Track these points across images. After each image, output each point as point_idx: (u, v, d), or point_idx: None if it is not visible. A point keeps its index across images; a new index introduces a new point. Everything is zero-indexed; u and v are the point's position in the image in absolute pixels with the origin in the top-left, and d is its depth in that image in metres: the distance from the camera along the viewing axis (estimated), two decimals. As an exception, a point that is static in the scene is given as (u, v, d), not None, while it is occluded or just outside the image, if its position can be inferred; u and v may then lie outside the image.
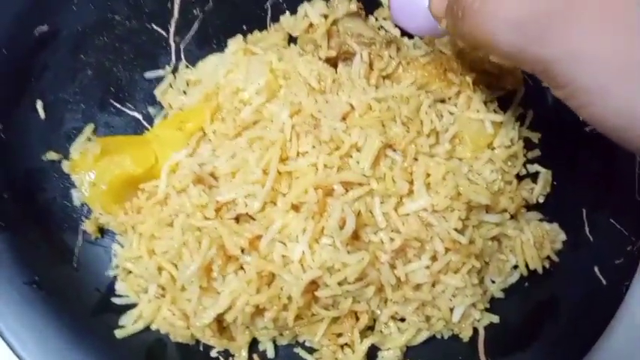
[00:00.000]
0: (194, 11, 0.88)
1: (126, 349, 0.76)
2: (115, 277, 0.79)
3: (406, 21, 0.88)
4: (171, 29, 0.88)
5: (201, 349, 0.78)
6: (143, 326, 0.77)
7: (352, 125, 0.75)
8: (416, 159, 0.76)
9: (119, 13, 0.87)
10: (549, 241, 0.83)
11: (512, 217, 0.83)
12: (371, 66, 0.81)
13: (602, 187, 0.86)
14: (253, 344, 0.78)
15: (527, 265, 0.82)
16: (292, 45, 0.87)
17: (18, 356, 0.72)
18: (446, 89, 0.82)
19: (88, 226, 0.79)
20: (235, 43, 0.86)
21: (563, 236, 0.84)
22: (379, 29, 0.90)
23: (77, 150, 0.79)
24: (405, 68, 0.82)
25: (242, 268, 0.73)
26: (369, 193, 0.74)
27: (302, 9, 0.85)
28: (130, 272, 0.77)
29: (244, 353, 0.77)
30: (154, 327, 0.77)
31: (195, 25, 0.88)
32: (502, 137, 0.81)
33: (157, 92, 0.86)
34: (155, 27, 0.87)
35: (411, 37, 0.88)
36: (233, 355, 0.77)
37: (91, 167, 0.76)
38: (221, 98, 0.80)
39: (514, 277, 0.83)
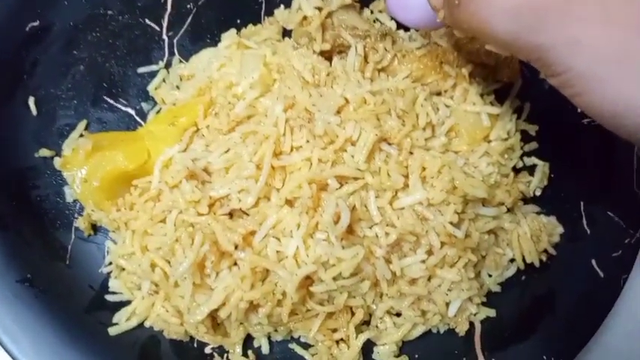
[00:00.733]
0: (187, 5, 0.88)
1: (120, 347, 0.76)
2: (108, 274, 0.79)
3: (402, 13, 0.87)
4: (165, 24, 0.87)
5: (195, 345, 0.77)
6: (137, 323, 0.76)
7: (347, 119, 0.74)
8: (411, 152, 0.75)
9: (112, 8, 0.86)
10: (546, 234, 0.82)
11: (509, 210, 0.82)
12: (366, 59, 0.81)
13: (599, 180, 0.85)
14: (248, 340, 0.78)
15: (524, 259, 0.82)
16: (286, 38, 0.86)
17: (11, 355, 0.72)
18: (442, 82, 0.81)
19: (81, 223, 0.79)
20: (229, 37, 0.85)
21: (560, 229, 0.83)
22: (374, 22, 0.89)
23: (69, 146, 0.79)
24: (401, 61, 0.81)
25: (236, 264, 0.72)
26: (364, 188, 0.73)
27: (296, 2, 0.85)
28: (124, 269, 0.77)
29: (239, 349, 0.77)
30: (147, 324, 0.77)
31: (189, 20, 0.88)
32: (499, 130, 0.80)
33: (150, 87, 0.85)
34: (148, 22, 0.87)
35: (406, 29, 0.88)
36: (227, 352, 0.77)
37: (83, 163, 0.75)
38: (214, 93, 0.80)
39: (511, 271, 0.83)
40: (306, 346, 0.79)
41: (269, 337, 0.78)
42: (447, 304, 0.77)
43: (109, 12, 0.86)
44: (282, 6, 0.88)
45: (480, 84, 0.82)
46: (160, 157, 0.77)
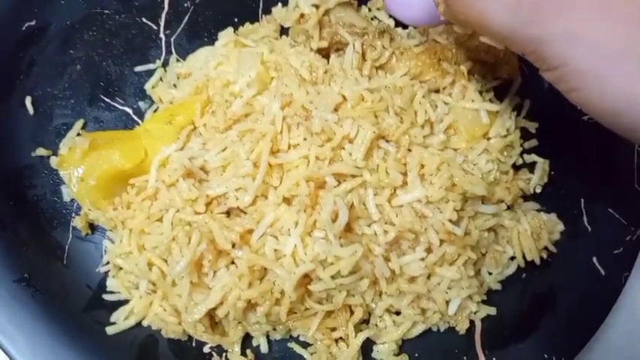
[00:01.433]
0: (185, 4, 0.88)
1: (117, 346, 0.75)
2: (105, 274, 0.79)
3: (400, 10, 0.86)
4: (162, 22, 0.88)
5: (193, 344, 0.77)
6: (135, 322, 0.76)
7: (344, 116, 0.74)
8: (410, 150, 0.75)
9: (109, 7, 0.86)
10: (547, 231, 0.82)
11: (509, 207, 0.82)
12: (364, 56, 0.80)
13: (600, 177, 0.85)
14: (246, 339, 0.78)
15: (524, 257, 0.81)
16: (284, 36, 0.86)
17: (8, 355, 0.71)
18: (440, 79, 0.81)
19: (78, 223, 0.78)
20: (226, 35, 0.86)
21: (561, 226, 0.83)
22: (372, 19, 0.89)
23: (66, 145, 0.79)
24: (399, 58, 0.81)
25: (233, 262, 0.72)
26: (362, 185, 0.73)
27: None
28: (121, 268, 0.77)
29: (237, 348, 0.76)
30: (145, 323, 0.77)
31: (186, 18, 0.88)
32: (498, 127, 0.80)
33: (147, 86, 0.85)
34: (145, 20, 0.87)
35: (405, 27, 0.87)
36: (226, 351, 0.77)
37: (80, 163, 0.75)
38: (211, 91, 0.80)
39: (511, 269, 0.82)
40: (305, 345, 0.78)
41: (268, 336, 0.78)
42: (447, 303, 0.77)
43: (106, 11, 0.86)
44: (279, 4, 0.88)
45: (479, 81, 0.82)
46: (157, 155, 0.76)
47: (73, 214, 0.80)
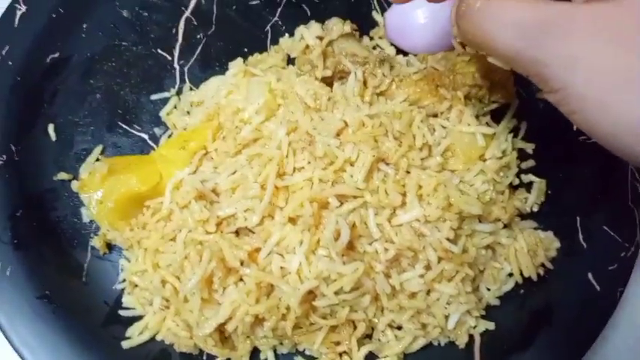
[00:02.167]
0: (197, 36, 0.93)
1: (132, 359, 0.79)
2: (122, 291, 0.82)
3: (401, 39, 0.91)
4: (176, 53, 0.92)
5: (204, 358, 0.80)
6: (149, 337, 0.79)
7: (346, 141, 0.77)
8: (408, 172, 0.79)
9: (126, 40, 0.92)
10: (543, 248, 0.84)
11: (506, 225, 0.85)
12: (365, 84, 0.84)
13: (595, 195, 0.87)
14: (254, 353, 0.80)
15: (521, 273, 0.83)
16: (290, 66, 0.90)
17: (31, 367, 0.75)
18: (438, 104, 0.84)
19: (97, 242, 0.82)
20: (236, 65, 0.90)
21: (557, 244, 0.85)
22: (374, 48, 0.93)
23: (86, 170, 0.83)
24: (398, 85, 0.85)
25: (242, 279, 0.76)
26: (363, 206, 0.76)
27: (299, 31, 0.89)
28: (136, 285, 0.81)
29: (246, 362, 0.79)
30: (159, 338, 0.80)
31: (199, 49, 0.92)
32: (494, 149, 0.83)
33: (163, 113, 0.90)
34: (160, 52, 0.92)
35: (405, 54, 0.91)
36: (235, 364, 0.80)
37: (99, 186, 0.79)
38: (222, 118, 0.84)
39: (509, 285, 0.84)
40: (310, 358, 0.81)
41: (275, 350, 0.81)
42: (446, 317, 0.79)
43: (124, 43, 0.91)
44: (286, 35, 0.93)
45: (476, 105, 0.85)
46: (171, 179, 0.81)
47: (92, 235, 0.84)
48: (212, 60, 0.92)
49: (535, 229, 0.87)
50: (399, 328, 0.81)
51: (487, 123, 0.86)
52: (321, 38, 0.86)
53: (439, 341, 0.82)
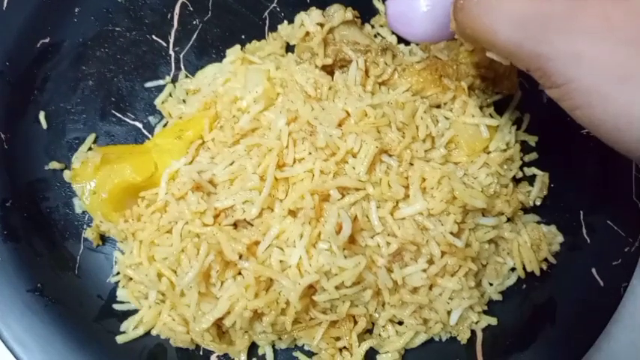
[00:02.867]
0: (193, 22, 0.90)
1: (127, 355, 0.77)
2: (116, 284, 0.81)
3: (403, 27, 0.89)
4: (171, 40, 0.90)
5: (201, 353, 0.79)
6: (144, 332, 0.78)
7: (348, 131, 0.76)
8: (411, 164, 0.77)
9: (120, 25, 0.89)
10: (546, 243, 0.83)
11: (509, 219, 0.84)
12: (367, 73, 0.83)
13: (599, 189, 0.86)
14: (252, 348, 0.79)
15: (524, 268, 0.82)
16: (289, 53, 0.88)
17: (22, 362, 0.73)
18: (441, 95, 0.83)
19: (90, 234, 0.80)
20: (233, 52, 0.88)
21: (560, 238, 0.84)
22: (375, 36, 0.91)
23: (78, 159, 0.81)
24: (401, 74, 0.83)
25: (240, 273, 0.74)
26: (365, 198, 0.75)
27: (298, 18, 0.87)
28: (131, 279, 0.79)
29: (243, 357, 0.78)
30: (154, 332, 0.78)
31: (195, 36, 0.90)
32: (498, 141, 0.82)
33: (157, 101, 0.87)
34: (155, 38, 0.89)
35: (407, 43, 0.89)
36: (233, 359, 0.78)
37: (92, 176, 0.77)
38: (219, 107, 0.82)
39: (512, 280, 0.84)
40: (309, 354, 0.80)
41: (273, 346, 0.80)
42: (449, 313, 0.79)
43: (117, 29, 0.89)
44: (285, 22, 0.90)
45: (479, 96, 0.84)
46: (167, 169, 0.79)
47: (85, 226, 0.82)
48: (208, 47, 0.90)
49: (538, 223, 0.86)
50: (400, 323, 0.80)
51: (490, 114, 0.84)
52: (321, 25, 0.83)
53: (440, 337, 0.81)
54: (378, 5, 0.92)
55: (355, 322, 0.77)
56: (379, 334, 0.80)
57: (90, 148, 0.84)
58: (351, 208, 0.74)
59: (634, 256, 0.83)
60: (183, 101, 0.87)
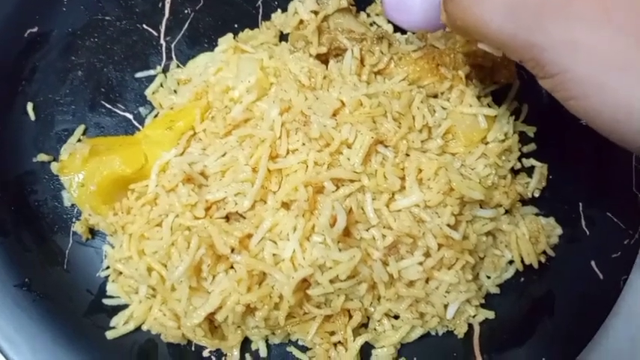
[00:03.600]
0: (185, 11, 0.89)
1: (117, 350, 0.76)
2: (106, 279, 0.79)
3: (399, 16, 0.88)
4: (162, 29, 0.88)
5: (193, 349, 0.78)
6: (134, 327, 0.77)
7: (342, 122, 0.74)
8: (407, 154, 0.76)
9: (110, 14, 0.87)
10: (545, 235, 0.82)
11: (508, 211, 0.82)
12: (362, 62, 0.81)
13: (598, 181, 0.85)
14: (245, 343, 0.78)
15: (522, 261, 0.81)
16: (283, 42, 0.86)
17: (9, 359, 0.72)
18: (438, 84, 0.81)
19: (79, 227, 0.79)
20: (225, 41, 0.86)
21: (559, 230, 0.83)
22: (371, 25, 0.90)
23: (67, 151, 0.79)
24: (397, 64, 0.82)
25: (232, 267, 0.73)
26: (360, 190, 0.73)
27: (292, 6, 0.85)
28: (121, 273, 0.77)
29: (236, 353, 0.77)
30: (145, 327, 0.77)
31: (186, 25, 0.88)
32: (496, 131, 0.80)
33: (148, 92, 0.86)
34: (146, 27, 0.88)
35: (403, 32, 0.88)
36: (225, 355, 0.77)
37: (80, 168, 0.75)
38: (211, 97, 0.80)
39: (509, 273, 0.83)
40: (303, 349, 0.79)
41: (267, 340, 0.79)
42: (445, 306, 0.77)
43: (107, 18, 0.87)
44: (279, 10, 0.89)
45: (477, 86, 0.82)
46: (157, 161, 0.77)
47: (74, 219, 0.80)
48: (200, 36, 0.88)
49: (536, 215, 0.85)
50: (396, 317, 0.79)
51: (488, 104, 0.83)
52: (316, 13, 0.81)
53: (437, 331, 0.80)
54: (374, -7, 0.91)
55: (350, 317, 0.76)
56: (375, 329, 0.79)
57: (79, 140, 0.82)
58: (346, 200, 0.72)
59: (634, 249, 0.82)
60: (175, 92, 0.85)
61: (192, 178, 0.75)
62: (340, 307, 0.74)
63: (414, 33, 0.86)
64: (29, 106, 0.82)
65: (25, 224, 0.79)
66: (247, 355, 0.78)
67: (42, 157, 0.81)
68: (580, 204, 0.85)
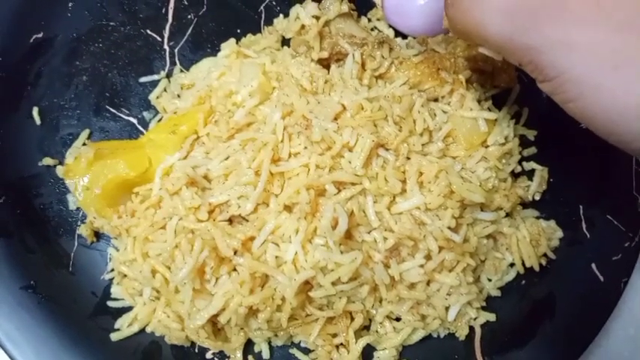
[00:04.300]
0: (188, 16, 0.89)
1: (122, 352, 0.76)
2: (110, 281, 0.80)
3: (400, 20, 0.89)
4: (166, 34, 0.89)
5: (196, 351, 0.78)
6: (138, 329, 0.77)
7: (344, 125, 0.75)
8: (408, 158, 0.76)
9: (114, 20, 0.88)
10: (546, 238, 0.82)
11: (508, 214, 0.83)
12: (363, 66, 0.82)
13: (598, 184, 0.85)
14: (248, 345, 0.78)
15: (523, 263, 0.82)
16: (285, 47, 0.87)
17: (14, 360, 0.73)
18: (439, 88, 0.82)
19: (84, 230, 0.80)
20: (228, 46, 0.87)
21: (559, 233, 0.84)
22: (372, 30, 0.90)
23: (72, 155, 0.80)
24: (398, 68, 0.82)
25: (235, 269, 0.73)
26: (362, 193, 0.74)
27: (294, 11, 0.86)
28: (125, 276, 0.78)
29: (239, 354, 0.77)
30: (149, 329, 0.77)
31: (190, 30, 0.89)
32: (496, 135, 0.81)
33: (152, 96, 0.86)
34: (150, 32, 0.88)
35: (404, 36, 0.89)
36: (228, 357, 0.78)
37: (85, 172, 0.76)
38: (214, 101, 0.81)
39: (510, 275, 0.83)
40: (306, 351, 0.79)
41: (269, 342, 0.79)
42: (447, 309, 0.78)
43: (112, 23, 0.88)
44: (281, 15, 0.90)
45: (477, 90, 0.83)
46: (161, 164, 0.78)
47: (79, 222, 0.81)
48: (203, 41, 0.89)
49: (537, 218, 0.85)
50: (398, 319, 0.79)
51: (489, 108, 0.83)
52: (317, 18, 0.82)
53: (438, 333, 0.81)
54: (375, -2, 0.91)
55: (352, 319, 0.77)
56: (376, 331, 0.79)
57: (84, 144, 0.83)
58: (348, 203, 0.73)
59: (634, 251, 0.82)
60: (178, 96, 0.86)
61: (196, 182, 0.75)
62: (342, 309, 0.74)
63: (414, 37, 0.87)
64: (35, 111, 0.83)
65: (30, 227, 0.79)
66: (250, 357, 0.78)
67: (47, 160, 0.81)
68: (580, 207, 0.85)
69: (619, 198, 0.84)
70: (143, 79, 0.87)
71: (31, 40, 0.84)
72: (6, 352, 0.73)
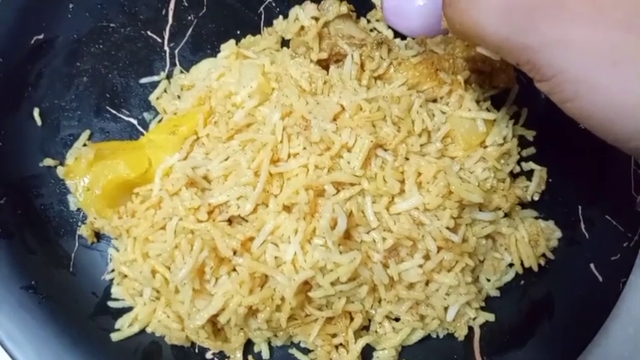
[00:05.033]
0: (188, 17, 0.90)
1: (122, 352, 0.77)
2: (111, 281, 0.80)
3: (398, 21, 0.89)
4: (166, 35, 0.89)
5: (196, 351, 0.78)
6: (139, 329, 0.77)
7: (343, 126, 0.75)
8: (407, 158, 0.76)
9: (114, 21, 0.88)
10: (544, 238, 0.82)
11: (507, 214, 0.83)
12: (362, 67, 0.82)
13: (597, 184, 0.85)
14: (248, 345, 0.79)
15: (522, 263, 0.82)
16: (284, 48, 0.87)
17: (15, 360, 0.73)
18: (437, 89, 0.82)
19: (84, 231, 0.80)
20: (228, 47, 0.87)
21: (558, 233, 0.84)
22: (372, 31, 0.90)
23: (73, 156, 0.80)
24: (397, 69, 0.82)
25: (234, 269, 0.73)
26: (361, 193, 0.74)
27: (293, 12, 0.86)
28: (126, 276, 0.78)
29: (239, 354, 0.77)
30: (149, 330, 0.78)
31: (189, 31, 0.89)
32: (495, 135, 0.81)
33: (152, 97, 0.87)
34: (150, 33, 0.89)
35: (403, 37, 0.89)
36: (228, 357, 0.78)
37: (86, 172, 0.77)
38: (214, 102, 0.82)
39: (509, 276, 0.83)
40: (305, 351, 0.79)
41: (269, 343, 0.79)
42: (446, 309, 0.78)
43: (112, 24, 0.88)
44: (280, 17, 0.90)
45: (476, 90, 0.83)
46: (161, 165, 0.78)
47: (79, 223, 0.81)
48: (203, 42, 0.89)
49: (536, 218, 0.85)
50: (397, 319, 0.79)
51: (487, 109, 0.83)
52: (316, 19, 0.83)
53: (437, 333, 0.81)
54: (374, -1, 0.92)
55: (351, 319, 0.77)
56: (375, 331, 0.79)
57: (84, 145, 0.83)
58: (346, 203, 0.73)
59: (633, 251, 0.82)
60: (178, 97, 0.86)
61: (196, 182, 0.76)
62: (341, 310, 0.74)
63: (413, 38, 0.87)
64: (35, 112, 0.83)
65: (31, 227, 0.80)
66: (250, 357, 0.78)
67: (48, 161, 0.82)
68: (579, 207, 0.85)
69: (618, 198, 0.84)
70: (143, 80, 0.87)
71: (32, 42, 0.84)
72: (7, 351, 0.73)
